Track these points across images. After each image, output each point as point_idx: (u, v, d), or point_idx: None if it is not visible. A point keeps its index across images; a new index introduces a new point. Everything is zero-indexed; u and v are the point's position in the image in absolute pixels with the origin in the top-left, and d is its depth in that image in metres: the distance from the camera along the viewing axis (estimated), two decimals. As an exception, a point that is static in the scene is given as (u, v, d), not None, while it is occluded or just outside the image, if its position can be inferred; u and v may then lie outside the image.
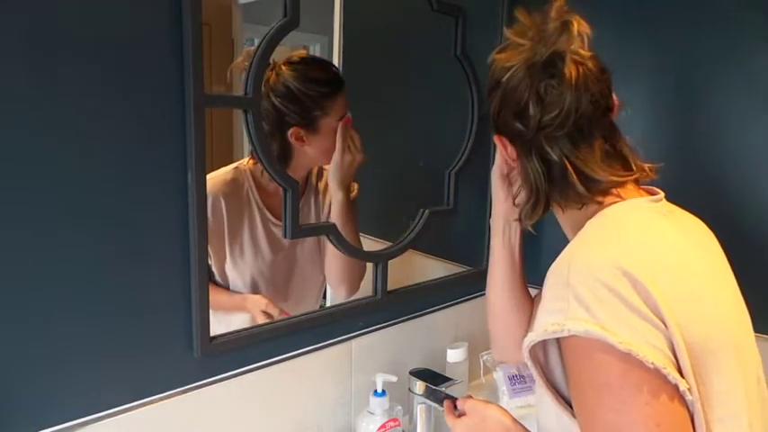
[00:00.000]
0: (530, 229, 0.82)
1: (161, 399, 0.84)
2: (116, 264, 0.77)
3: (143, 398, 0.82)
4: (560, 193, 0.75)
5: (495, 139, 0.80)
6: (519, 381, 1.26)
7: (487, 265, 1.31)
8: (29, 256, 0.70)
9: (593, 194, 0.72)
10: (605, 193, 0.72)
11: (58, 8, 0.68)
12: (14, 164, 0.67)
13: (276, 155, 0.97)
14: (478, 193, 1.31)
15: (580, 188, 0.72)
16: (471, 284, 1.33)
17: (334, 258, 1.12)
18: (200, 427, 0.89)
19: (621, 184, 0.73)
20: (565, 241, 0.82)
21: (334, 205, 1.08)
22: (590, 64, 0.71)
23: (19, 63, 0.66)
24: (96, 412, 0.78)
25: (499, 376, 1.26)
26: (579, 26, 0.70)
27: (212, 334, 0.86)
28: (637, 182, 0.75)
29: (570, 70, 0.70)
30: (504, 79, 0.74)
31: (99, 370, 0.78)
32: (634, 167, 0.74)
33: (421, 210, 1.17)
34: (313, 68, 1.06)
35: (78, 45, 0.70)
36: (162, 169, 0.79)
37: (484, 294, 1.34)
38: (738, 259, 0.76)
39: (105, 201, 0.75)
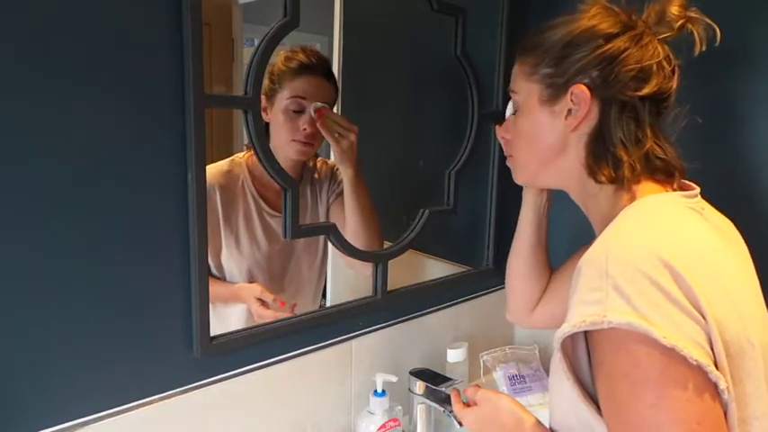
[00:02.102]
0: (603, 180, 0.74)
1: (161, 399, 0.84)
2: (116, 263, 0.77)
3: (143, 398, 0.82)
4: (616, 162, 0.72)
5: (576, 87, 0.72)
6: (519, 381, 1.26)
7: (488, 265, 1.33)
8: (28, 256, 0.70)
9: (651, 172, 0.72)
10: (666, 174, 0.73)
11: (58, 8, 0.68)
12: (13, 164, 0.67)
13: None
14: (478, 193, 1.31)
15: (656, 161, 0.71)
16: (471, 284, 1.33)
17: (348, 216, 1.14)
18: (201, 427, 0.89)
19: (682, 170, 0.74)
20: (572, 229, 0.80)
21: (345, 182, 1.11)
22: None
23: (18, 63, 0.66)
24: (96, 412, 0.78)
25: (499, 376, 1.26)
26: (698, 30, 0.73)
27: (212, 334, 0.86)
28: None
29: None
30: (638, 33, 0.72)
31: (99, 370, 0.78)
32: None
33: (421, 210, 1.17)
34: (295, 51, 1.08)
35: (78, 45, 0.70)
36: (162, 169, 0.79)
37: (484, 294, 1.35)
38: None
39: (105, 201, 0.75)
